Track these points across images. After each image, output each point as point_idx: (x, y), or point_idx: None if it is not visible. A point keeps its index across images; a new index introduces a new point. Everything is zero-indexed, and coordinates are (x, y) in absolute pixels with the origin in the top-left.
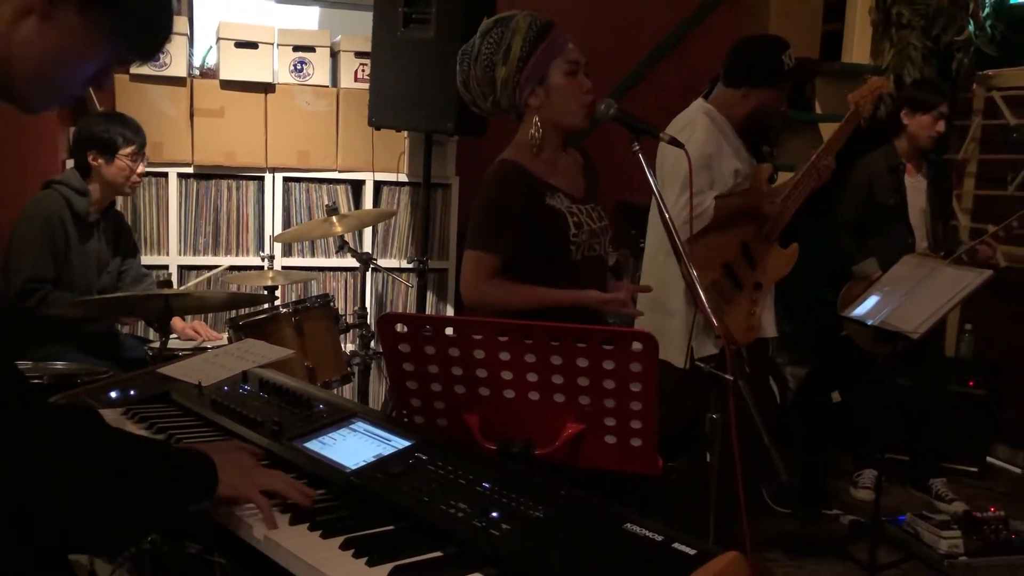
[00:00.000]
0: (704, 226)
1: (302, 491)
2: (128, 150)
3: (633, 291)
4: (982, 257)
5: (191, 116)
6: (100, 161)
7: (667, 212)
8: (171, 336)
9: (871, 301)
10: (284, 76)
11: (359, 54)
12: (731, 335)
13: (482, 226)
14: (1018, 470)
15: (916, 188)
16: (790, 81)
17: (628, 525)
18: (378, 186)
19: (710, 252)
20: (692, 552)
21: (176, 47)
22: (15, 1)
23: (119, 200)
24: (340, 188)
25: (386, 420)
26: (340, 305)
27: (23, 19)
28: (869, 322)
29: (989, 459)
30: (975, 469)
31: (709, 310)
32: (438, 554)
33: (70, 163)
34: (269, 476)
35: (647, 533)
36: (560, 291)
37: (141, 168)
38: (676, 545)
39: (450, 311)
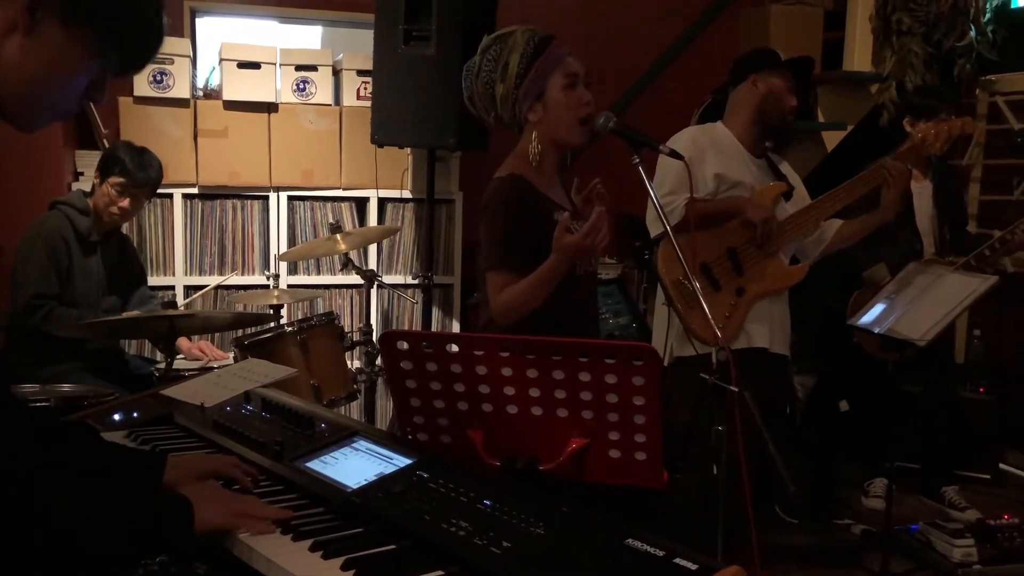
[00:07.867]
0: (673, 224)
1: (275, 513)
2: (117, 180)
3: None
4: (1020, 240)
5: (195, 137)
6: (96, 180)
7: (665, 219)
8: (178, 356)
9: (877, 309)
10: (287, 95)
11: (361, 72)
12: (700, 335)
13: (500, 245)
14: None
15: (922, 194)
16: (793, 72)
17: (630, 541)
18: (382, 203)
19: (686, 250)
20: (693, 568)
21: (179, 69)
22: None
23: (125, 223)
24: (344, 206)
25: (388, 438)
26: (346, 322)
27: (8, 37)
28: (876, 330)
29: (1002, 465)
30: (988, 476)
31: (710, 317)
32: (440, 573)
33: (76, 185)
34: (243, 501)
35: (648, 549)
36: (549, 261)
37: (125, 203)
38: (678, 560)
39: (456, 327)
